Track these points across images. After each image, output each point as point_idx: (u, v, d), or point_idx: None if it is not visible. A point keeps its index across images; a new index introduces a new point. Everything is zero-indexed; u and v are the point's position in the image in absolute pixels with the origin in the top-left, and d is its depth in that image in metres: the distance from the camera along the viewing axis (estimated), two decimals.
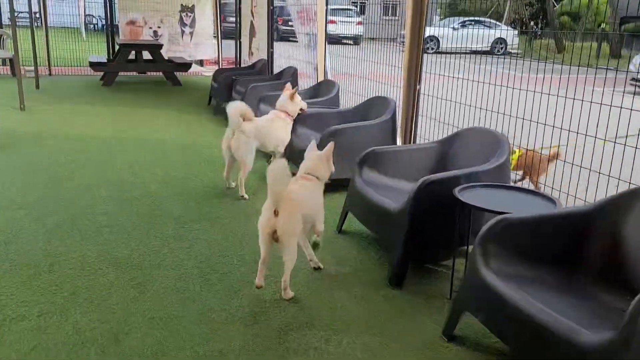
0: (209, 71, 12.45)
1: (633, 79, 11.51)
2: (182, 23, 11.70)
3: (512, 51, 16.97)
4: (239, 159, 4.37)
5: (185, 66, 10.47)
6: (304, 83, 7.19)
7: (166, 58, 10.62)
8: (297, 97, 5.00)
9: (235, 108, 4.31)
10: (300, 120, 4.85)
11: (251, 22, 9.42)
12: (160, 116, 7.57)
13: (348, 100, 6.53)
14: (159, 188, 4.48)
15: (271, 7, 8.12)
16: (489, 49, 17.65)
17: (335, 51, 7.42)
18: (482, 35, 16.21)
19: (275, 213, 2.65)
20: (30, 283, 2.86)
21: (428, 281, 3.07)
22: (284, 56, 8.66)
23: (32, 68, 9.40)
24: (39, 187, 4.37)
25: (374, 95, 5.70)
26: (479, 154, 3.34)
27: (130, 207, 4.02)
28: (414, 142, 4.46)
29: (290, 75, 6.94)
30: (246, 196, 4.32)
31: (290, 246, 2.72)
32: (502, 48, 18.51)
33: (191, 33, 11.83)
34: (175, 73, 10.32)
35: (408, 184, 3.50)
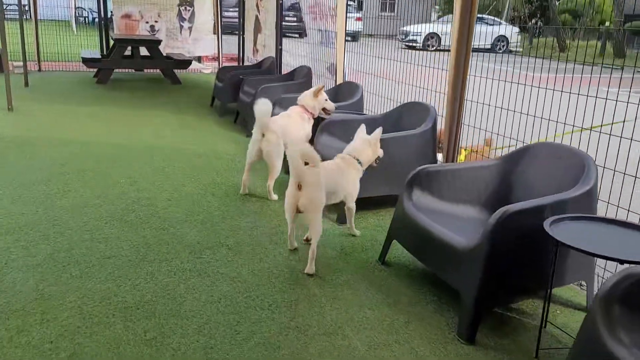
0: (207, 68, 11.87)
1: None
2: (181, 17, 11.08)
3: (514, 49, 16.59)
4: (269, 162, 4.08)
5: (185, 63, 9.88)
6: (318, 83, 6.63)
7: (164, 54, 10.02)
8: (323, 95, 4.53)
9: (262, 107, 3.93)
10: (324, 127, 4.31)
11: (256, 16, 8.85)
12: (161, 118, 6.99)
13: (367, 104, 6.00)
14: (168, 206, 3.92)
15: (280, 1, 7.55)
16: (490, 46, 17.25)
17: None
18: (483, 33, 15.83)
19: (299, 187, 2.93)
20: (19, 339, 2.30)
21: (502, 332, 2.55)
22: (290, 53, 8.11)
23: (21, 63, 8.77)
24: (28, 205, 3.80)
25: (398, 98, 5.21)
26: (554, 175, 2.83)
27: (136, 231, 3.46)
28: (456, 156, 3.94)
29: (304, 75, 6.39)
30: (275, 196, 4.12)
31: (314, 219, 2.98)
32: (503, 46, 18.14)
33: (190, 28, 11.21)
34: (174, 71, 9.71)
35: (468, 209, 2.99)
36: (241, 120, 6.72)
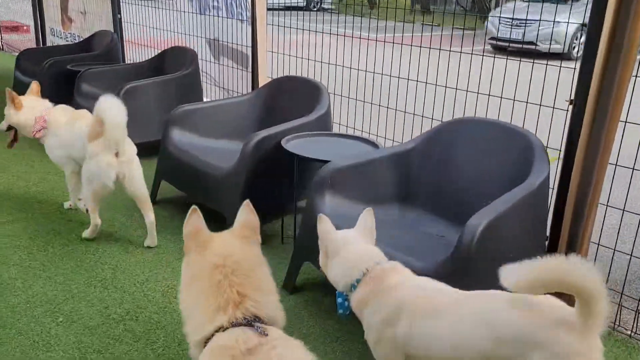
0: None
1: (492, 38, 11.04)
2: None
3: (327, 7, 15.99)
4: (137, 193, 2.66)
5: None
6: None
7: None
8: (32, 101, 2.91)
9: (112, 109, 2.47)
10: (322, 181, 2.21)
11: None
12: None
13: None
14: None
15: None
16: (304, 4, 16.30)
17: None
18: None
19: None
20: None
21: None
22: (137, 25, 5.46)
23: None
24: None
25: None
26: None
27: None
28: None
29: (189, 63, 3.95)
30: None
31: None
32: (317, 3, 17.33)
33: None
34: None
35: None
36: None
